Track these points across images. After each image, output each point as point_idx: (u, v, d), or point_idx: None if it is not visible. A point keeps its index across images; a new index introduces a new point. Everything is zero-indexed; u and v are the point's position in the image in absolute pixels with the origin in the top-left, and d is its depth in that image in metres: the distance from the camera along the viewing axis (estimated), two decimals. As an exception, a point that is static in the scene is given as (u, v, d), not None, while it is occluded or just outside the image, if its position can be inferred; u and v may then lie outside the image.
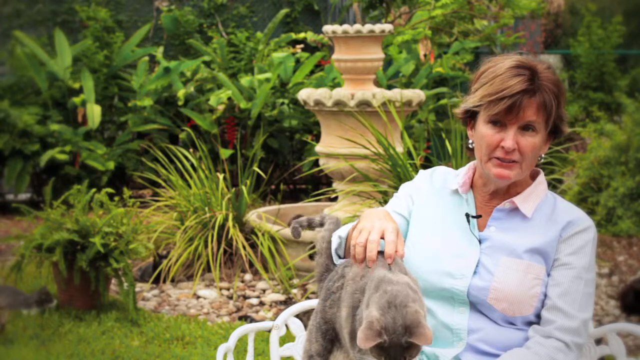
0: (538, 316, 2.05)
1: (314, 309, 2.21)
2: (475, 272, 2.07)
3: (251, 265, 5.48)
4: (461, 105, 2.13)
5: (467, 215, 2.13)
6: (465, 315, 2.07)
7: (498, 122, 2.04)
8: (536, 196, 2.12)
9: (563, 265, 2.05)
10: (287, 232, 5.43)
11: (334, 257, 2.12)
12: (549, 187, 2.19)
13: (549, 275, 2.06)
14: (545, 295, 2.05)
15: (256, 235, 5.46)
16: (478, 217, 2.13)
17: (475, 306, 2.07)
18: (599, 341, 2.27)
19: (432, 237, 2.14)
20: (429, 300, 2.10)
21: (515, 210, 2.10)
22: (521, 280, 2.04)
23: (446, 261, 2.09)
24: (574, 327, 2.01)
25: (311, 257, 5.21)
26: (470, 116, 2.11)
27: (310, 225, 2.22)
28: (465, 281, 2.07)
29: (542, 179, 2.15)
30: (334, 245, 2.12)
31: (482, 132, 2.06)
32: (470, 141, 2.13)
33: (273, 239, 5.41)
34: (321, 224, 2.19)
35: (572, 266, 2.04)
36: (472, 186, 2.17)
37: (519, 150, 2.03)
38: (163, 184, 5.95)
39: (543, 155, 2.12)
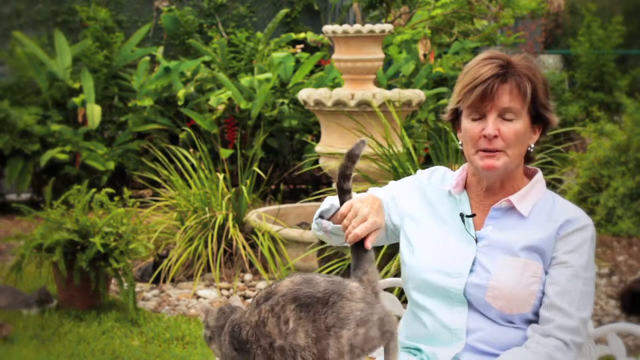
0: (536, 314, 2.06)
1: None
2: (472, 271, 2.08)
3: (251, 265, 5.49)
4: (446, 108, 2.18)
5: (462, 215, 2.14)
6: (463, 315, 2.08)
7: (478, 115, 2.07)
8: (533, 195, 2.12)
9: (561, 264, 2.05)
10: (287, 232, 5.43)
11: (315, 215, 2.21)
12: (548, 187, 2.19)
13: (546, 273, 2.06)
14: (544, 294, 2.05)
15: (256, 235, 5.46)
16: (472, 216, 2.13)
17: (473, 305, 2.07)
18: (599, 341, 2.27)
19: (429, 237, 2.16)
20: (428, 300, 2.11)
21: (512, 209, 2.11)
22: (519, 278, 2.04)
23: (443, 260, 2.10)
24: (573, 326, 2.01)
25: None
26: (456, 117, 2.15)
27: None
28: (462, 280, 2.07)
29: (539, 177, 2.16)
30: (323, 207, 2.20)
31: (466, 127, 2.09)
32: (460, 142, 2.15)
33: (273, 239, 5.41)
34: None
35: (569, 265, 2.04)
36: (466, 187, 2.18)
37: (502, 137, 2.05)
38: (163, 184, 5.96)
39: (533, 146, 2.12)
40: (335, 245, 2.26)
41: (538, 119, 2.10)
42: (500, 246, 2.08)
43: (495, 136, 2.04)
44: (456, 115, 2.15)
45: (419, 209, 2.21)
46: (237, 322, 1.93)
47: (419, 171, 2.29)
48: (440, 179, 2.23)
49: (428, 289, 2.11)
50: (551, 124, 2.12)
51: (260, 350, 1.85)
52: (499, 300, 2.04)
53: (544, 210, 2.10)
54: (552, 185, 5.29)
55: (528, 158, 2.15)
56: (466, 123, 2.09)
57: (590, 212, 6.42)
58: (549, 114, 2.10)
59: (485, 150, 2.06)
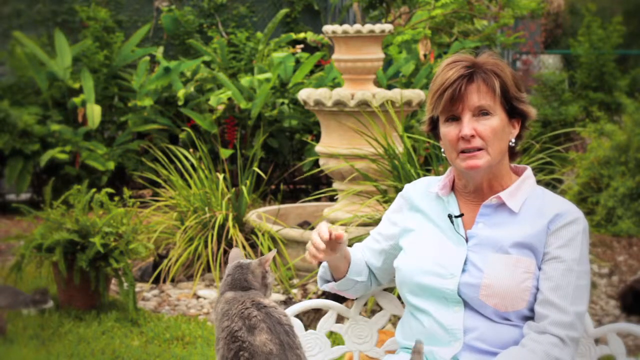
0: (532, 310, 2.06)
1: (315, 309, 2.24)
2: (464, 270, 2.08)
3: (251, 265, 5.48)
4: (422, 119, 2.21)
5: (450, 216, 2.14)
6: (460, 315, 2.08)
7: (453, 118, 2.09)
8: (524, 191, 2.13)
9: (553, 259, 2.05)
10: (287, 232, 5.43)
11: (319, 283, 2.31)
12: (548, 187, 2.19)
13: (540, 268, 2.06)
14: (538, 289, 2.05)
15: (256, 235, 5.46)
16: (460, 216, 2.14)
17: (468, 304, 2.08)
18: (599, 341, 2.27)
19: (421, 242, 2.17)
20: (424, 302, 2.12)
21: (502, 205, 2.12)
22: (511, 275, 2.04)
23: (434, 262, 2.12)
24: (568, 321, 2.01)
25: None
26: (435, 127, 2.17)
27: None
28: (454, 280, 2.08)
29: (529, 173, 2.17)
30: (320, 273, 2.31)
31: (444, 132, 2.12)
32: (442, 150, 2.17)
33: (273, 239, 5.41)
34: None
35: (562, 259, 2.04)
36: (454, 189, 2.20)
37: (479, 135, 2.07)
38: (163, 184, 5.95)
39: (514, 140, 2.14)
40: (358, 291, 2.32)
41: (514, 112, 2.12)
42: (491, 244, 2.09)
43: (473, 135, 2.06)
44: (434, 124, 2.17)
45: (409, 218, 2.23)
46: (227, 309, 2.03)
47: (405, 186, 2.31)
48: (425, 185, 2.25)
49: (422, 291, 2.12)
50: (529, 115, 2.14)
51: (220, 351, 1.99)
52: (493, 298, 2.04)
53: (534, 206, 2.11)
54: (552, 185, 5.29)
55: (512, 154, 2.16)
56: (443, 128, 2.11)
57: (590, 212, 6.43)
58: (524, 105, 2.12)
59: (465, 151, 2.08)
